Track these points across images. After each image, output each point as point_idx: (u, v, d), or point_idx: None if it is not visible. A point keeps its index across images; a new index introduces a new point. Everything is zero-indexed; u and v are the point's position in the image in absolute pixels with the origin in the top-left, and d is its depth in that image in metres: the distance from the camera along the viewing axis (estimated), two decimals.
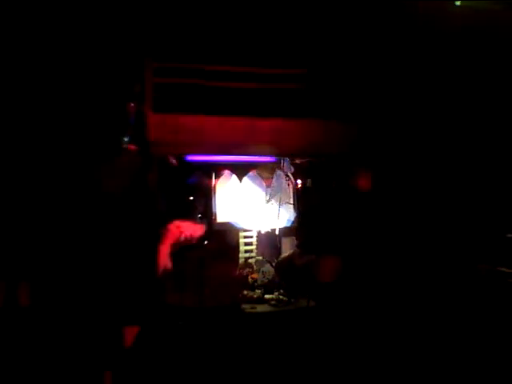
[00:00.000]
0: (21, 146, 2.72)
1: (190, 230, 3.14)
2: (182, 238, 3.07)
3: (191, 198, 3.66)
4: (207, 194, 3.65)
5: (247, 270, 3.59)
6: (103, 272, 2.60)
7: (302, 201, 3.77)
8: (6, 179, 2.68)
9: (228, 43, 3.14)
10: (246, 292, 3.36)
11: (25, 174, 2.71)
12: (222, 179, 3.71)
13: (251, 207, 3.70)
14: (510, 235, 3.24)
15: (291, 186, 3.78)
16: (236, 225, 3.63)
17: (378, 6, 3.16)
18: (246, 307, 3.18)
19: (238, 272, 3.53)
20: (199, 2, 3.00)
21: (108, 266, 2.62)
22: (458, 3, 3.28)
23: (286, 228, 3.77)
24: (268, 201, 3.69)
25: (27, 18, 2.72)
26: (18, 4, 2.69)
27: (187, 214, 3.52)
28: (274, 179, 3.73)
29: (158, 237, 2.96)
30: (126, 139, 2.89)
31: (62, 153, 2.78)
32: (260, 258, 3.73)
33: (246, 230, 3.74)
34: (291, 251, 3.63)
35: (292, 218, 3.76)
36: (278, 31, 3.15)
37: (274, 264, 3.64)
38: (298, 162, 3.80)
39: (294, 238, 3.80)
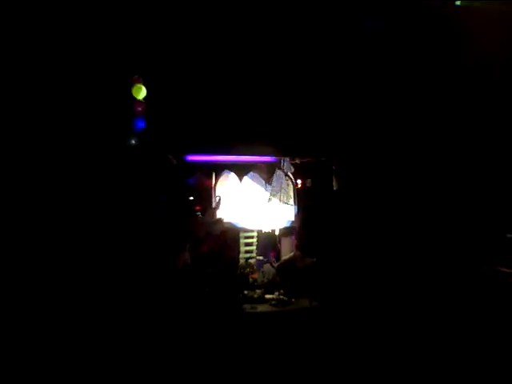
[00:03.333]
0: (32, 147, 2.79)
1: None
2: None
3: (191, 197, 3.66)
4: (207, 194, 3.65)
5: (247, 269, 3.58)
6: None
7: (302, 201, 3.77)
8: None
9: None
10: (246, 292, 3.35)
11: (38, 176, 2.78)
12: (221, 179, 3.71)
13: (251, 207, 3.70)
14: (509, 235, 3.25)
15: (291, 186, 3.78)
16: (236, 225, 3.63)
17: None
18: (247, 307, 3.17)
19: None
20: None
21: None
22: (458, 3, 3.29)
23: (285, 228, 3.78)
24: (268, 201, 3.69)
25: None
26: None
27: (187, 214, 3.53)
28: (273, 179, 3.73)
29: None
30: (133, 141, 2.90)
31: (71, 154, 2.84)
32: (261, 257, 3.74)
33: (246, 230, 3.74)
34: (292, 254, 3.62)
35: (292, 218, 3.77)
36: None
37: (274, 264, 3.64)
38: (297, 161, 3.80)
39: (293, 238, 3.80)
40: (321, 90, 3.42)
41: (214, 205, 3.54)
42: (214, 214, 3.48)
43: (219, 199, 3.53)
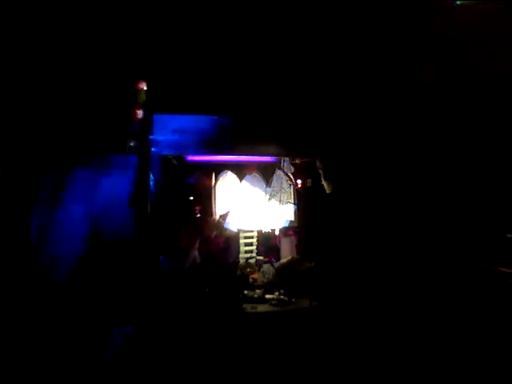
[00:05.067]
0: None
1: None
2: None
3: (191, 197, 3.67)
4: (207, 194, 3.66)
5: (248, 269, 3.58)
6: None
7: (302, 201, 3.77)
8: None
9: None
10: (246, 292, 3.35)
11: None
12: (221, 179, 3.71)
13: (251, 207, 3.70)
14: (509, 235, 3.24)
15: (291, 186, 3.78)
16: (236, 225, 3.63)
17: None
18: (247, 307, 3.17)
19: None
20: None
21: None
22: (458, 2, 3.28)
23: (285, 228, 3.78)
24: (268, 200, 3.69)
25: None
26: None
27: (187, 214, 3.54)
28: (273, 179, 3.73)
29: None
30: (131, 143, 2.90)
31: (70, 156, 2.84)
32: (261, 257, 3.74)
33: (246, 231, 3.74)
34: (290, 257, 3.62)
35: (292, 218, 3.77)
36: None
37: (274, 264, 3.64)
38: (297, 161, 3.80)
39: (293, 238, 3.81)
40: (315, 91, 3.41)
41: (228, 211, 3.59)
42: (225, 218, 3.53)
43: (233, 209, 3.60)
